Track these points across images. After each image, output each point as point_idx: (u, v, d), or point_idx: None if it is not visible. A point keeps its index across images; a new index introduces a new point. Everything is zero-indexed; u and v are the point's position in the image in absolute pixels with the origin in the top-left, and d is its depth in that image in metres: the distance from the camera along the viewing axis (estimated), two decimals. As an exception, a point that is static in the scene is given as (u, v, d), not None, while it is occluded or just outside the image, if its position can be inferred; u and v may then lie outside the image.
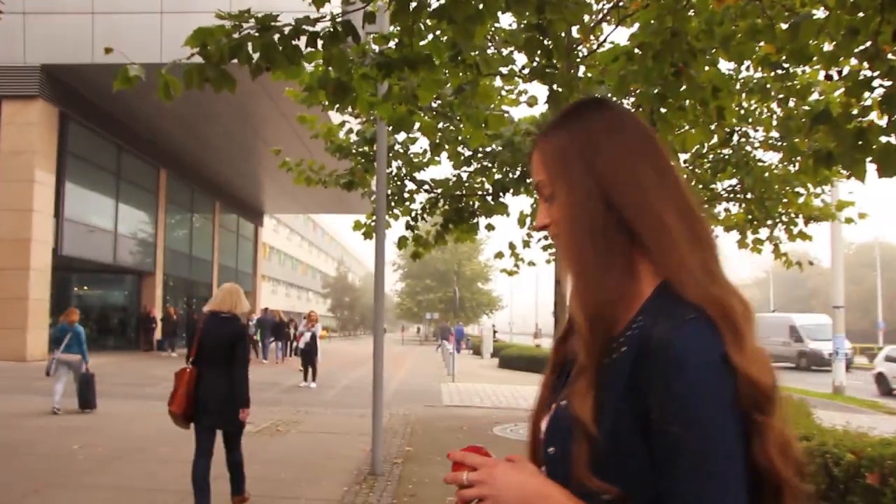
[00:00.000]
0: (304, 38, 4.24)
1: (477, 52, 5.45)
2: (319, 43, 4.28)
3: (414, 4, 4.31)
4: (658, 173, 1.16)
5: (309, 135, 11.09)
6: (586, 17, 7.09)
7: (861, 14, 4.45)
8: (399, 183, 11.12)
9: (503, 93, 10.51)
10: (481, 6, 4.27)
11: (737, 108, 8.60)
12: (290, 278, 73.74)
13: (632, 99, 8.77)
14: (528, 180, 10.18)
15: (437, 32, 5.23)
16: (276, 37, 4.15)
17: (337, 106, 6.00)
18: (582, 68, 8.36)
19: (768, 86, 7.21)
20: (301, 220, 72.69)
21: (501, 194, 10.72)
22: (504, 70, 7.73)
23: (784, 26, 5.19)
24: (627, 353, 1.07)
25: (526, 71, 7.82)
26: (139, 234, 28.69)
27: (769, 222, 11.04)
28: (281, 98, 10.70)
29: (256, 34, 4.13)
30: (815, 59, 5.38)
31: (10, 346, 20.53)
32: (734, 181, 10.73)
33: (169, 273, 31.33)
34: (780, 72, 5.98)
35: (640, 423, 1.02)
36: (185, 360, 5.91)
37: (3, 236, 20.65)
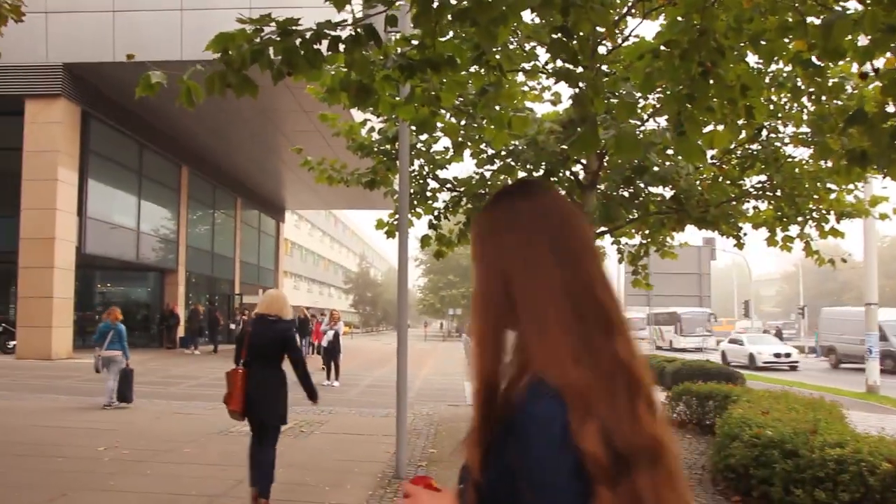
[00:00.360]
0: (325, 42, 4.16)
1: (500, 48, 5.34)
2: (341, 47, 4.20)
3: (436, 5, 4.21)
4: (558, 259, 1.27)
5: (331, 132, 11.03)
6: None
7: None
8: (421, 181, 11.03)
9: (525, 88, 10.38)
10: (504, 7, 4.17)
11: (765, 103, 8.40)
12: (312, 274, 74.05)
13: (657, 96, 8.66)
14: (551, 178, 10.06)
15: (461, 32, 5.13)
16: (298, 41, 4.07)
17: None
18: (605, 66, 8.23)
19: (800, 83, 7.03)
20: (323, 216, 72.93)
21: (525, 192, 10.58)
22: (527, 66, 7.62)
23: (816, 22, 5.03)
24: (503, 421, 1.22)
25: (549, 66, 7.72)
26: (161, 231, 28.86)
27: (799, 219, 10.78)
28: (302, 94, 10.68)
29: (278, 39, 4.05)
30: (848, 55, 5.22)
31: (35, 344, 20.76)
32: (763, 177, 10.50)
33: (191, 270, 31.52)
34: (811, 69, 5.81)
35: (514, 480, 1.17)
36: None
37: (27, 235, 20.85)
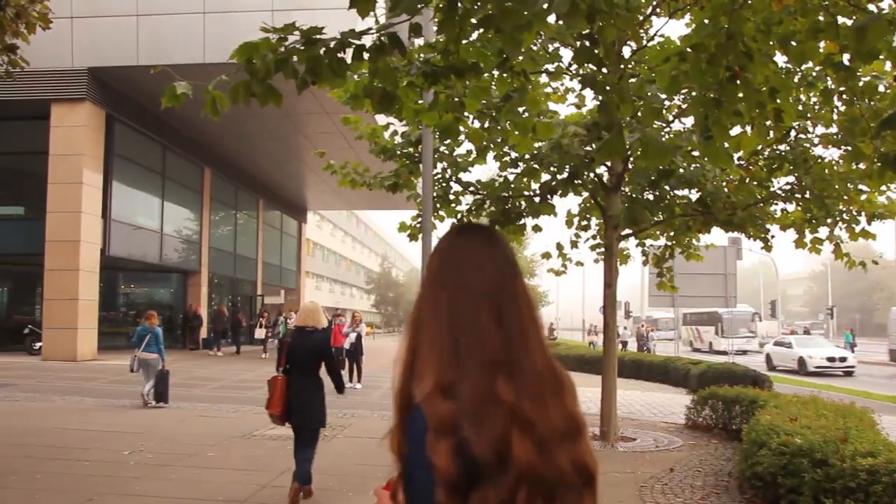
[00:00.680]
0: (349, 51, 4.13)
1: (523, 51, 5.28)
2: (365, 55, 4.17)
3: (460, 12, 4.16)
4: (458, 293, 1.41)
5: (353, 134, 11.01)
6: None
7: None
8: (444, 184, 10.98)
9: (549, 90, 10.30)
10: (527, 13, 4.11)
11: (793, 102, 8.24)
12: (334, 274, 74.23)
13: (683, 96, 8.55)
14: (575, 181, 9.98)
15: (484, 38, 5.08)
16: (322, 50, 4.04)
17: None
18: (630, 65, 8.13)
19: (830, 84, 6.90)
20: (344, 216, 73.05)
21: (549, 196, 10.52)
22: (551, 67, 7.54)
23: (849, 22, 4.92)
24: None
25: (573, 68, 7.64)
26: (184, 232, 29.03)
27: (829, 221, 10.56)
28: (325, 96, 10.65)
29: (302, 48, 4.02)
30: (881, 56, 5.09)
31: (61, 346, 20.95)
32: (791, 178, 10.31)
33: (214, 271, 31.67)
34: (843, 72, 5.69)
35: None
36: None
37: (53, 238, 21.04)
